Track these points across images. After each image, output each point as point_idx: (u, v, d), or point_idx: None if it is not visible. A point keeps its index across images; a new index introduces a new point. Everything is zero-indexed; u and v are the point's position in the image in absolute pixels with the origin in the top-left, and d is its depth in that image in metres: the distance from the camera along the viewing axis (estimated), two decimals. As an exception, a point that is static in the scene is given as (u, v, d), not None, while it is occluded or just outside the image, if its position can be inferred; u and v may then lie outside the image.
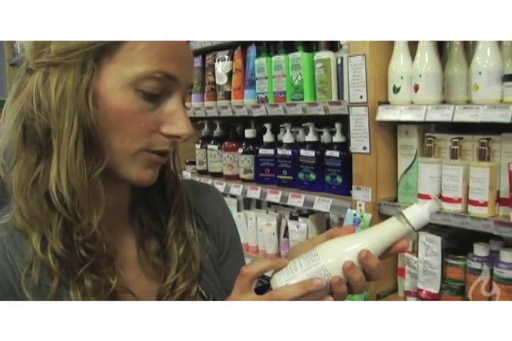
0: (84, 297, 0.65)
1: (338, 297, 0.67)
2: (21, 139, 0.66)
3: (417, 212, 0.68)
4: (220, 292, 0.80)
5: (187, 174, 2.42)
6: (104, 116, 0.64)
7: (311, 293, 0.65)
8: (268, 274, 0.69)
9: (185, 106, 0.72)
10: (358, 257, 0.66)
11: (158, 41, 0.64)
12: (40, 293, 0.65)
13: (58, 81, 0.63)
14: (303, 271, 0.67)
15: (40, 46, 0.64)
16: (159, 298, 0.74)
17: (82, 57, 0.62)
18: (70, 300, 0.65)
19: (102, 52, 0.63)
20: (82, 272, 0.65)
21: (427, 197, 1.41)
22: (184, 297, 0.74)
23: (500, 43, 1.28)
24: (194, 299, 0.75)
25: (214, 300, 0.78)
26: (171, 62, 0.66)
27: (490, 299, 1.34)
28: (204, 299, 0.76)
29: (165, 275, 0.74)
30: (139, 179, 0.69)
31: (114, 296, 0.68)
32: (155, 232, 0.76)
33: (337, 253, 0.67)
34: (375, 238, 0.68)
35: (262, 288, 0.69)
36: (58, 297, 0.65)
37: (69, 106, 0.62)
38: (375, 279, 0.69)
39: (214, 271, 0.81)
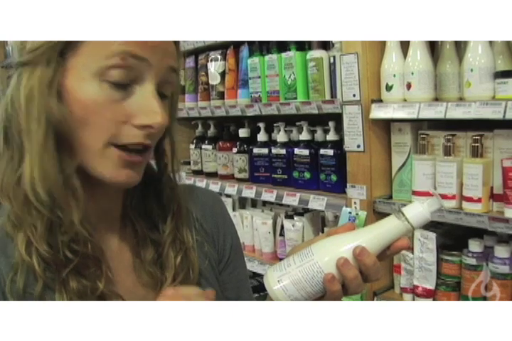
0: (71, 301, 0.63)
1: (332, 297, 0.65)
2: (3, 141, 0.66)
3: (417, 210, 0.66)
4: (221, 300, 0.76)
5: (181, 174, 2.41)
6: (71, 110, 0.62)
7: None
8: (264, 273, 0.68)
9: (161, 99, 0.66)
10: (353, 254, 0.64)
11: None
12: (25, 300, 0.63)
13: (27, 79, 0.62)
14: (296, 268, 0.65)
15: (19, 48, 0.64)
16: None
17: (47, 53, 0.62)
18: None
19: (67, 46, 0.62)
20: (67, 274, 0.63)
21: (422, 193, 1.42)
22: None
23: (491, 40, 1.29)
24: None
25: None
26: (137, 42, 0.62)
27: (486, 296, 1.35)
28: None
29: (161, 285, 0.71)
30: (112, 179, 0.66)
31: (103, 300, 0.65)
32: (151, 240, 0.73)
33: (331, 250, 0.65)
34: (372, 236, 0.66)
35: (259, 286, 0.69)
36: (43, 300, 0.63)
37: (36, 104, 0.62)
38: (373, 279, 0.66)
39: (214, 279, 0.79)
